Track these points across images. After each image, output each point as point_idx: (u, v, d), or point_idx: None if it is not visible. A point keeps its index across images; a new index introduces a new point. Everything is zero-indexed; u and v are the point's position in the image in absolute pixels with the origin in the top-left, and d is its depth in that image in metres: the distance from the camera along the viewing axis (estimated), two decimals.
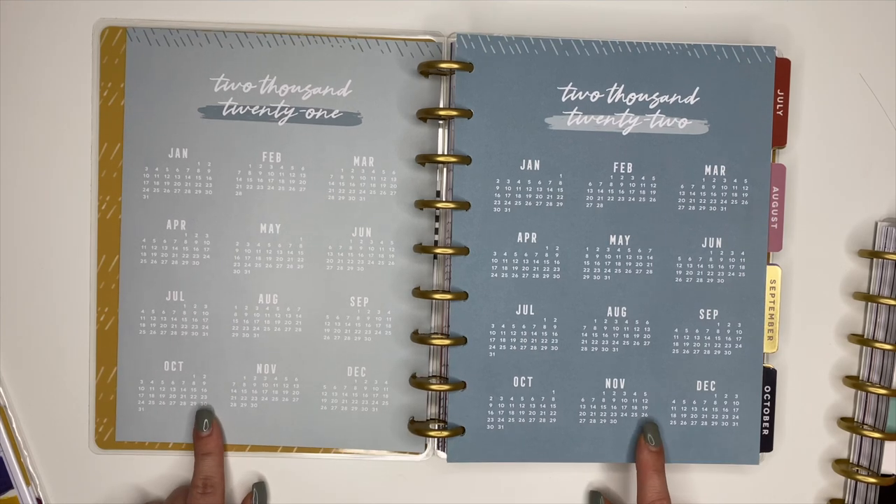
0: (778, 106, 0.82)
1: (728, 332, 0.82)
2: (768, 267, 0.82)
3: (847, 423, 0.84)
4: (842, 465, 0.84)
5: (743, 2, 0.84)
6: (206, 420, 0.81)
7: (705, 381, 0.82)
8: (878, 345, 0.82)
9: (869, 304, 0.84)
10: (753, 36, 0.84)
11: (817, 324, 0.85)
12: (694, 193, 0.81)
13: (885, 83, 0.85)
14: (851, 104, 0.85)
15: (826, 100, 0.84)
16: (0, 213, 0.82)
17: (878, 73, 0.85)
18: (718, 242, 0.81)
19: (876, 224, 0.84)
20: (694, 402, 0.82)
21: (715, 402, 0.82)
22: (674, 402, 0.82)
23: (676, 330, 0.81)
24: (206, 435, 0.81)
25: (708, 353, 0.82)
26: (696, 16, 0.84)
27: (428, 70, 0.80)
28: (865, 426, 0.84)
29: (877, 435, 0.82)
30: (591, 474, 0.84)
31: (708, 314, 0.81)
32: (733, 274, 0.81)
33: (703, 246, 0.81)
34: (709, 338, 0.81)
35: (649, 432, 0.81)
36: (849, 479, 0.85)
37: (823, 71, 0.84)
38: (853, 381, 0.84)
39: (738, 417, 0.82)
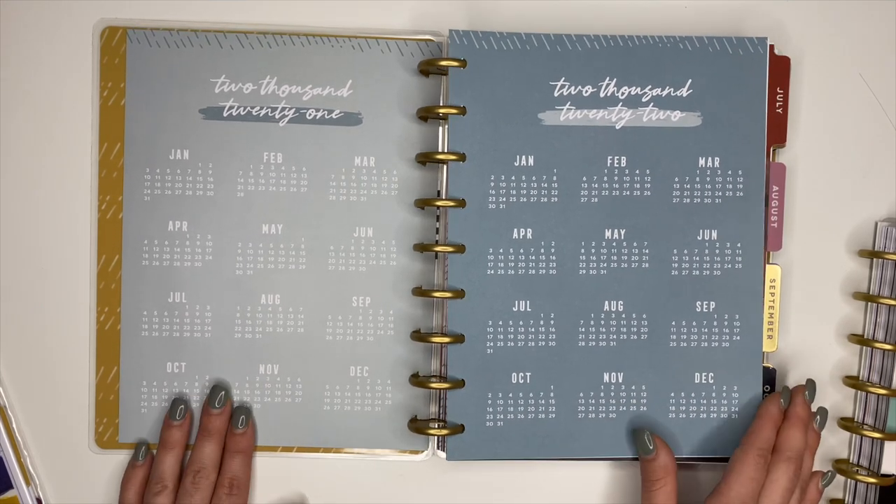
0: (777, 104, 0.82)
1: (725, 323, 0.81)
2: (768, 266, 0.82)
3: (847, 422, 0.84)
4: (842, 465, 0.84)
5: (743, 2, 0.84)
6: (242, 417, 0.81)
7: (703, 374, 0.81)
8: (878, 345, 0.82)
9: (869, 304, 0.84)
10: (753, 35, 0.84)
11: (817, 324, 0.85)
12: (688, 186, 0.81)
13: (885, 83, 0.85)
14: (851, 104, 0.85)
15: (826, 99, 0.85)
16: (0, 212, 0.82)
17: (878, 73, 0.85)
18: (714, 234, 0.81)
19: (876, 224, 0.84)
20: (693, 395, 0.81)
21: (714, 395, 0.82)
22: (672, 395, 0.81)
23: (674, 323, 0.81)
24: (240, 433, 0.81)
25: (706, 346, 0.81)
26: (695, 12, 0.84)
27: (428, 69, 0.81)
28: (865, 426, 0.83)
29: (877, 435, 0.82)
30: (592, 471, 0.84)
31: (705, 306, 0.81)
32: (729, 265, 0.81)
33: (699, 238, 0.81)
34: (706, 330, 0.81)
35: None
36: (849, 479, 0.84)
37: (823, 70, 0.84)
38: (853, 381, 0.84)
39: (737, 409, 0.82)
